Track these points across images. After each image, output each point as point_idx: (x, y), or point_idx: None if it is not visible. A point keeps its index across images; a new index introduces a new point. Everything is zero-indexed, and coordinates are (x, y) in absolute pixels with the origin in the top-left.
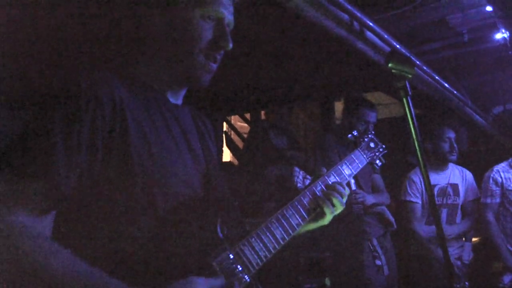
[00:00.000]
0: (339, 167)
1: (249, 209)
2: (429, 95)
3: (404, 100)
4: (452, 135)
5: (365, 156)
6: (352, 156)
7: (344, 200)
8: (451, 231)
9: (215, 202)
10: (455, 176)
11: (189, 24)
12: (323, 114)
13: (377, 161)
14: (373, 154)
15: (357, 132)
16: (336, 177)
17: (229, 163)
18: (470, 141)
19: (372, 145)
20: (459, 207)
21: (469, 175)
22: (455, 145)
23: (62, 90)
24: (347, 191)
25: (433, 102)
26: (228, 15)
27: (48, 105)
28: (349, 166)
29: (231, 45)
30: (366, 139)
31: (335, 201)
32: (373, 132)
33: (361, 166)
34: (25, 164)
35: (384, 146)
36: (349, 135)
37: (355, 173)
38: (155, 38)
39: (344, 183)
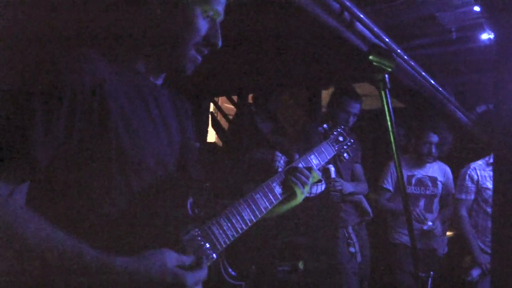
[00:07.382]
0: (308, 156)
1: (229, 190)
2: (414, 90)
3: (382, 92)
4: (434, 139)
5: (333, 148)
6: (321, 147)
7: (310, 181)
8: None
9: (187, 182)
10: (434, 170)
11: (189, 19)
12: (310, 103)
13: (345, 154)
14: (340, 147)
15: (327, 125)
16: (304, 166)
17: (214, 144)
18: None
19: (340, 138)
20: (437, 199)
21: (448, 171)
22: (433, 151)
23: (44, 67)
24: (314, 175)
25: (417, 97)
26: (222, 14)
27: (29, 81)
28: (318, 157)
29: (220, 44)
30: (335, 133)
31: (303, 183)
32: (342, 127)
33: (328, 157)
34: (1, 135)
35: (352, 140)
36: (319, 128)
37: (322, 163)
38: (150, 28)
39: (314, 169)
